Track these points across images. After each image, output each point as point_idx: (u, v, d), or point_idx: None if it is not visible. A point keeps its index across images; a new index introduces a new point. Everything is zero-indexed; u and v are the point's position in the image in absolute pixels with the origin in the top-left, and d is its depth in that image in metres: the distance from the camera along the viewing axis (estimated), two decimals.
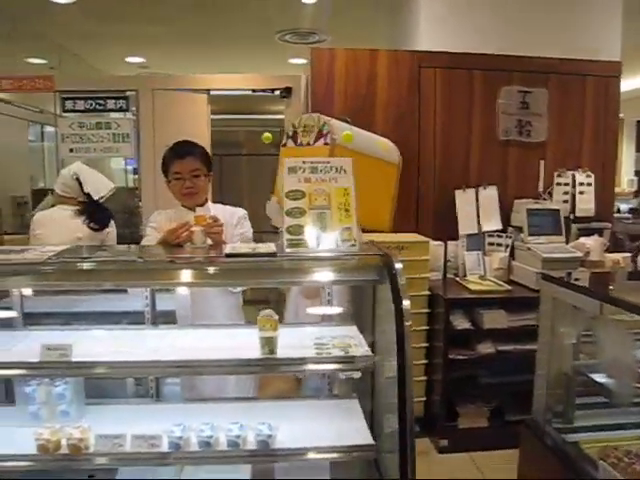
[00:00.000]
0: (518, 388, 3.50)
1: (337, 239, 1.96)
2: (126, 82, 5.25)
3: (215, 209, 2.72)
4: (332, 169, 2.09)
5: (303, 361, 1.77)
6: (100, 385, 2.16)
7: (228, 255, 1.91)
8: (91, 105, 4.84)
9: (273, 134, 2.57)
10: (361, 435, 1.87)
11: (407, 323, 1.68)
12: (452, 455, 3.47)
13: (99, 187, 3.32)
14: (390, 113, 3.95)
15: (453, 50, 3.94)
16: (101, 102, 4.85)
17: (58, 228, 3.09)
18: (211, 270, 1.87)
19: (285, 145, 2.46)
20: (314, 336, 1.98)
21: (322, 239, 1.96)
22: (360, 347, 1.86)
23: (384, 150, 2.64)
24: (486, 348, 3.48)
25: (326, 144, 2.25)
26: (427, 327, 3.61)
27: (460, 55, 3.93)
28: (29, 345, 1.86)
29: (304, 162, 2.09)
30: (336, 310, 2.22)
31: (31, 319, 2.22)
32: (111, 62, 8.14)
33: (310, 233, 1.96)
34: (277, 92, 5.13)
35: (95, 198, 3.26)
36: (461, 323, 3.47)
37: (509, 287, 3.62)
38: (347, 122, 2.48)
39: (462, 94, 4.00)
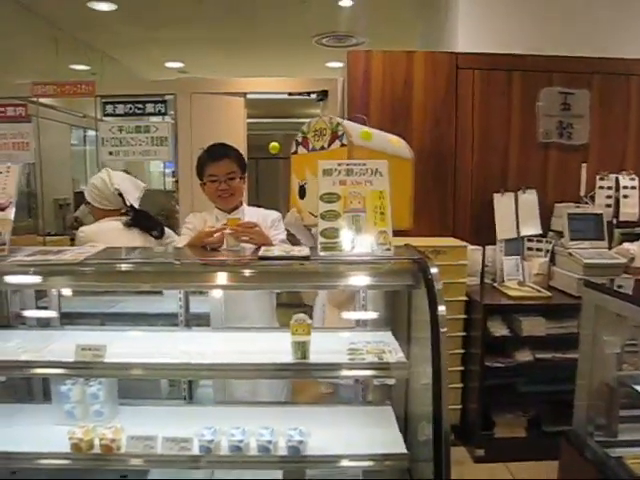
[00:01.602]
0: (557, 398, 3.43)
1: (372, 243, 1.93)
2: (165, 86, 5.33)
3: (249, 212, 2.74)
4: (367, 171, 2.06)
5: (335, 367, 1.75)
6: (134, 385, 2.18)
7: (261, 258, 1.90)
8: (130, 109, 4.92)
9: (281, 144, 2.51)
10: (394, 443, 1.83)
11: (442, 330, 1.64)
12: (488, 465, 3.39)
13: (136, 194, 3.13)
14: (427, 116, 3.90)
15: (492, 51, 3.87)
16: (140, 106, 4.93)
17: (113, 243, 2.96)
18: (244, 273, 1.86)
19: (296, 152, 2.40)
20: (348, 341, 1.96)
21: (356, 242, 1.94)
22: (394, 353, 1.82)
23: (398, 147, 2.58)
24: (524, 356, 3.39)
25: (343, 145, 2.21)
26: (464, 333, 3.54)
27: (499, 56, 3.85)
28: (64, 344, 1.88)
29: (339, 164, 2.07)
30: (370, 315, 2.19)
31: (68, 319, 2.26)
32: (151, 68, 8.28)
33: (344, 236, 1.94)
34: (313, 95, 5.13)
35: (136, 206, 3.07)
36: (499, 330, 3.39)
37: (549, 293, 3.53)
38: (363, 121, 2.42)
39: (501, 96, 3.92)
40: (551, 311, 3.42)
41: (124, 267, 1.87)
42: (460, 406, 3.58)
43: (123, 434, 1.73)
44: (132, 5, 5.62)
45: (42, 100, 5.57)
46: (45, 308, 2.22)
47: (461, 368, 3.55)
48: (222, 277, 1.83)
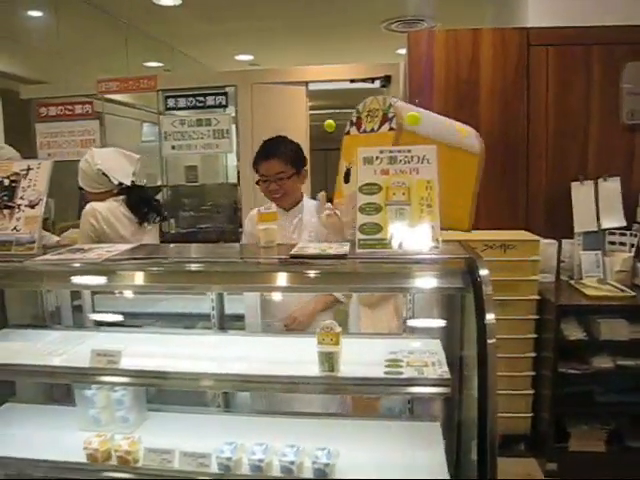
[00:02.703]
0: None
1: (417, 239, 1.73)
2: (225, 78, 5.30)
3: (308, 206, 2.62)
4: (413, 158, 1.85)
5: (366, 382, 1.55)
6: (166, 390, 2.09)
7: (293, 256, 1.74)
8: (191, 102, 4.92)
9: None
10: (437, 469, 1.62)
11: (491, 341, 1.42)
12: None
13: (129, 169, 2.84)
14: (495, 99, 3.59)
15: (568, 24, 3.50)
16: (201, 99, 4.92)
17: (120, 224, 2.76)
18: (272, 273, 1.71)
19: (348, 133, 2.18)
20: (388, 350, 1.75)
21: (399, 239, 1.74)
22: (438, 367, 1.60)
23: (463, 137, 2.26)
24: (603, 362, 3.06)
25: (391, 129, 1.97)
26: (535, 335, 3.24)
27: (576, 29, 3.48)
28: (88, 347, 1.80)
29: (381, 151, 1.86)
30: (414, 320, 1.97)
31: (104, 318, 2.20)
32: (222, 61, 8.30)
33: (386, 232, 1.74)
34: (377, 82, 4.92)
35: (129, 183, 2.81)
36: (574, 333, 3.07)
37: (633, 293, 3.16)
38: (415, 104, 2.15)
39: (579, 74, 3.55)
40: (635, 313, 3.06)
41: (152, 267, 1.77)
42: (531, 414, 3.29)
43: (140, 445, 1.63)
44: None
45: (113, 97, 5.71)
46: (80, 307, 2.17)
47: (532, 373, 3.26)
48: (246, 278, 1.69)
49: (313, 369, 1.55)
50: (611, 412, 3.15)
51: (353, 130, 2.17)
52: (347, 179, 2.13)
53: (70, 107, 5.07)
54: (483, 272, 1.54)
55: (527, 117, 3.59)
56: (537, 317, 3.23)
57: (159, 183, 8.28)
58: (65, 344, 1.93)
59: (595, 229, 3.51)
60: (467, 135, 2.22)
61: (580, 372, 3.06)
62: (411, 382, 1.54)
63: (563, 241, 3.53)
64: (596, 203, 3.51)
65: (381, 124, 2.03)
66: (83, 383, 1.80)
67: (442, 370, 1.59)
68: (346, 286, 1.82)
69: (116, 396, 1.85)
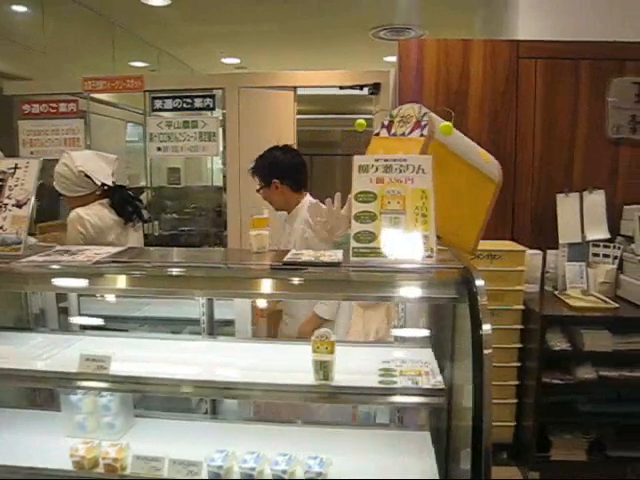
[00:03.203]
0: (624, 420, 3.13)
1: (411, 248, 1.72)
2: (213, 80, 5.27)
3: (302, 211, 2.86)
4: (409, 168, 1.85)
5: (361, 391, 1.54)
6: (153, 396, 2.05)
7: (286, 264, 1.72)
8: (178, 104, 4.88)
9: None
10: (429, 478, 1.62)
11: (487, 352, 1.42)
12: None
13: (108, 170, 2.80)
14: (485, 109, 3.62)
15: (556, 38, 3.55)
16: (188, 101, 4.88)
17: (108, 230, 2.74)
18: (264, 280, 1.69)
19: (378, 135, 2.19)
20: (381, 359, 1.75)
21: (394, 248, 1.73)
22: (431, 377, 1.60)
23: (485, 161, 2.29)
24: (586, 373, 3.08)
25: (422, 136, 1.97)
26: (520, 345, 3.27)
27: (565, 43, 3.53)
28: (74, 352, 1.76)
29: (376, 160, 1.86)
30: (406, 331, 1.97)
31: (88, 322, 2.16)
32: (208, 64, 8.28)
33: (381, 241, 1.74)
34: (365, 89, 4.93)
35: (110, 183, 2.77)
36: (558, 343, 3.09)
37: (616, 304, 3.19)
38: (449, 115, 2.16)
39: (566, 87, 3.59)
40: (618, 324, 3.10)
41: (141, 270, 1.74)
42: (514, 423, 3.31)
43: (128, 452, 1.59)
44: None
45: (98, 96, 5.64)
46: (66, 310, 2.13)
47: (516, 382, 3.28)
48: (240, 284, 1.67)
49: (308, 377, 1.53)
50: (593, 422, 3.18)
51: (383, 132, 2.15)
52: None
53: (54, 105, 4.99)
54: (479, 282, 1.54)
55: (515, 129, 3.62)
56: (522, 327, 3.26)
57: (142, 184, 8.23)
58: (51, 348, 1.88)
59: (579, 241, 3.54)
60: (488, 161, 2.23)
61: (563, 382, 3.09)
62: (405, 392, 1.54)
63: (548, 252, 3.56)
64: (581, 215, 3.55)
65: (412, 129, 2.02)
66: (71, 389, 1.76)
67: (435, 380, 1.59)
68: (339, 294, 1.80)
69: (103, 402, 1.81)
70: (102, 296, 2.22)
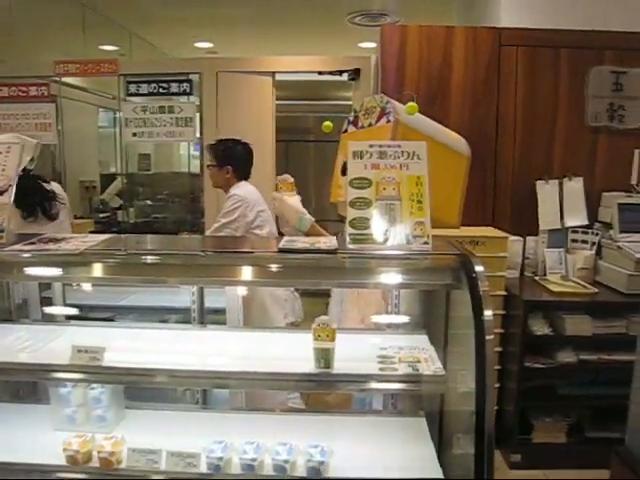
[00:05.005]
0: (601, 402, 3.21)
1: (408, 235, 1.72)
2: (190, 65, 5.15)
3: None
4: (403, 154, 1.84)
5: (363, 379, 1.52)
6: (142, 387, 2.01)
7: (281, 250, 1.70)
8: (155, 89, 4.77)
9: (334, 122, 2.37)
10: (429, 466, 1.62)
11: (489, 337, 1.42)
12: (525, 472, 3.17)
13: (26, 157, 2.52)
14: (466, 96, 3.63)
15: (537, 26, 3.56)
16: (165, 85, 4.77)
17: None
18: (260, 267, 1.65)
19: (346, 131, 2.22)
20: (378, 346, 1.73)
21: (390, 234, 1.72)
22: (431, 363, 1.60)
23: (453, 139, 2.35)
24: (567, 357, 3.14)
25: (389, 122, 1.99)
26: (502, 330, 3.31)
27: (545, 32, 3.55)
28: (63, 343, 1.71)
29: (371, 146, 1.85)
30: (403, 316, 1.97)
31: (74, 311, 2.09)
32: (180, 48, 8.09)
33: (377, 227, 1.72)
34: (345, 75, 4.89)
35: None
36: (540, 328, 3.15)
37: (595, 289, 3.26)
38: (411, 97, 2.21)
39: (546, 75, 3.63)
40: (598, 309, 3.16)
41: (129, 258, 1.69)
42: (496, 407, 3.35)
43: (124, 446, 1.55)
44: None
45: (69, 80, 5.48)
46: (49, 300, 2.06)
47: (498, 367, 3.32)
48: (235, 271, 1.63)
49: (307, 365, 1.51)
50: (572, 405, 3.25)
51: (351, 128, 2.18)
52: (344, 172, 2.13)
53: (24, 89, 4.82)
54: (478, 268, 1.55)
55: (497, 116, 3.64)
56: (504, 312, 3.29)
57: (113, 171, 8.07)
58: (38, 339, 1.82)
59: (559, 227, 3.60)
60: (456, 139, 2.27)
61: (545, 366, 3.14)
62: (407, 378, 1.53)
63: (528, 238, 3.61)
64: (560, 202, 3.60)
65: (378, 118, 2.04)
66: (63, 381, 1.71)
67: (436, 367, 1.59)
68: (336, 281, 1.78)
69: (94, 394, 1.76)
70: (87, 285, 2.16)
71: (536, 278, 3.52)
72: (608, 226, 3.48)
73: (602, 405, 3.22)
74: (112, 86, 6.31)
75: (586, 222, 3.58)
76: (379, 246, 1.71)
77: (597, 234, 3.52)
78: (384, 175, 1.82)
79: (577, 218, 3.59)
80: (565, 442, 3.25)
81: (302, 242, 1.81)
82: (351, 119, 2.19)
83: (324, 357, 1.50)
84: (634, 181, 3.61)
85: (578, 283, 3.35)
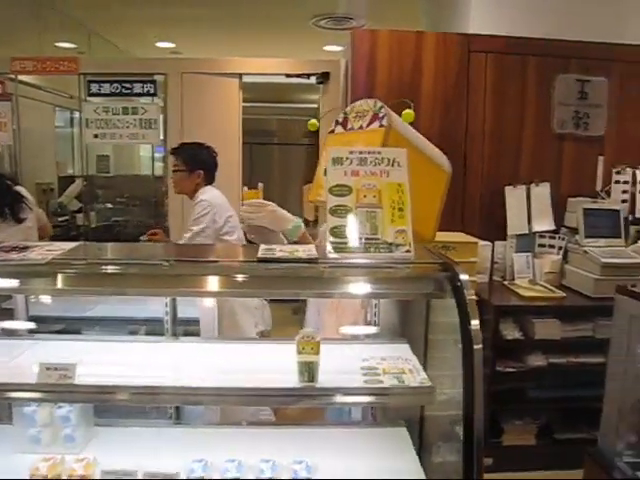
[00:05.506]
0: (569, 404, 3.26)
1: (390, 243, 1.69)
2: (155, 65, 5.04)
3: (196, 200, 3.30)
4: (384, 161, 1.81)
5: (349, 392, 1.48)
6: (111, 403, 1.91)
7: (260, 260, 1.64)
8: (117, 89, 4.64)
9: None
10: (414, 474, 1.59)
11: (477, 347, 1.41)
12: (496, 475, 3.18)
13: None
14: (437, 102, 3.64)
15: (506, 34, 3.61)
16: (128, 86, 4.65)
17: None
18: (239, 277, 1.59)
19: (333, 132, 2.16)
20: (359, 357, 1.69)
21: (372, 243, 1.69)
22: (416, 374, 1.57)
23: (437, 154, 2.35)
24: (537, 360, 3.18)
25: (381, 126, 1.95)
26: None
27: (513, 39, 3.59)
28: (28, 360, 1.61)
29: (351, 152, 1.81)
30: (381, 326, 1.94)
31: (37, 324, 1.97)
32: (141, 48, 7.93)
33: (358, 235, 1.69)
34: (312, 78, 4.86)
35: None
36: (511, 332, 3.17)
37: (562, 294, 3.31)
38: (409, 107, 2.18)
39: (514, 82, 3.67)
40: (566, 313, 3.21)
41: (101, 268, 1.60)
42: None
43: (97, 468, 1.47)
44: None
45: (25, 79, 5.27)
46: (10, 312, 1.94)
47: None
48: (212, 282, 1.57)
49: (291, 379, 1.46)
50: (542, 407, 3.29)
51: (339, 129, 2.13)
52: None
53: None
54: (463, 277, 1.53)
55: (466, 121, 3.66)
56: None
57: (70, 172, 7.83)
58: (1, 354, 1.71)
59: (527, 232, 3.64)
60: (439, 154, 2.26)
61: (516, 370, 3.17)
62: (393, 391, 1.50)
63: (496, 243, 3.64)
64: (528, 207, 3.65)
65: (370, 122, 2.00)
66: (31, 401, 1.60)
67: (421, 377, 1.56)
68: (317, 292, 1.74)
69: (61, 412, 1.66)
70: (51, 296, 2.05)
71: (505, 282, 3.56)
72: (574, 231, 3.54)
73: (570, 407, 3.28)
74: (69, 85, 6.14)
75: (553, 227, 3.64)
76: (361, 254, 1.67)
77: (564, 239, 3.58)
78: (364, 182, 1.79)
79: (544, 223, 3.65)
80: (535, 444, 3.29)
81: (281, 251, 1.76)
82: (340, 120, 2.14)
83: (308, 370, 1.46)
84: (599, 187, 3.70)
85: (546, 287, 3.39)
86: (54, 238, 4.98)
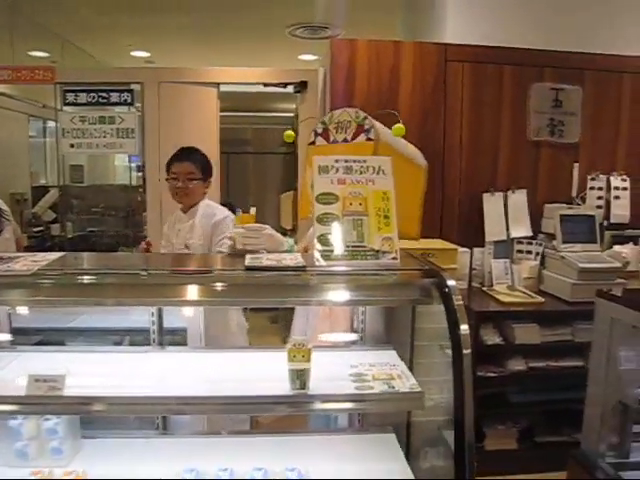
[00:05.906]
0: (550, 407, 3.30)
1: (376, 250, 1.70)
2: (131, 74, 5.00)
3: (202, 209, 2.94)
4: (369, 169, 1.83)
5: (340, 399, 1.48)
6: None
7: (248, 268, 1.65)
8: (94, 98, 4.59)
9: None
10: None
11: (466, 351, 1.43)
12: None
13: None
14: (415, 110, 3.68)
15: (482, 43, 3.68)
16: (104, 95, 4.60)
17: None
18: (227, 286, 1.59)
19: (314, 143, 2.18)
20: (347, 363, 1.71)
21: (359, 250, 1.71)
22: (405, 380, 1.58)
23: (413, 151, 2.39)
24: (517, 365, 3.22)
25: (369, 140, 1.98)
26: None
27: (489, 48, 3.67)
28: (15, 370, 1.58)
29: (337, 161, 1.83)
30: (368, 332, 1.95)
31: (20, 337, 1.94)
32: (116, 57, 7.86)
33: (345, 243, 1.70)
34: (290, 87, 4.88)
35: None
36: (491, 338, 3.21)
37: (541, 299, 3.36)
38: (395, 116, 2.20)
39: (491, 90, 3.74)
40: (545, 318, 3.26)
41: (84, 278, 1.59)
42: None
43: None
44: None
45: None
46: None
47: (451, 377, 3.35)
48: (199, 291, 1.56)
49: (282, 387, 1.46)
50: (523, 411, 3.33)
51: (320, 140, 2.14)
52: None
53: None
54: (451, 283, 1.55)
55: (444, 129, 3.72)
56: None
57: (44, 182, 7.71)
58: None
59: (504, 238, 3.70)
60: (414, 151, 2.30)
61: (496, 375, 3.20)
62: (384, 397, 1.51)
63: (475, 249, 3.68)
64: (505, 214, 3.70)
65: (356, 135, 2.02)
66: (19, 414, 1.57)
67: (411, 383, 1.57)
68: (305, 299, 1.74)
69: (48, 425, 1.63)
70: (38, 308, 2.02)
71: (484, 288, 3.60)
72: (551, 237, 3.61)
73: (551, 410, 3.32)
74: (42, 94, 6.05)
75: (530, 233, 3.70)
76: (348, 262, 1.69)
77: (541, 244, 3.64)
78: (350, 190, 1.81)
79: (522, 229, 3.71)
80: (516, 448, 3.32)
81: (268, 259, 1.77)
82: (319, 131, 2.16)
83: (300, 378, 1.46)
84: (574, 193, 3.77)
85: (525, 292, 3.45)
86: (28, 249, 4.90)
